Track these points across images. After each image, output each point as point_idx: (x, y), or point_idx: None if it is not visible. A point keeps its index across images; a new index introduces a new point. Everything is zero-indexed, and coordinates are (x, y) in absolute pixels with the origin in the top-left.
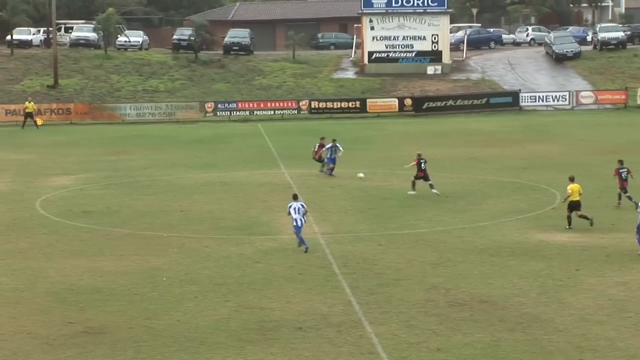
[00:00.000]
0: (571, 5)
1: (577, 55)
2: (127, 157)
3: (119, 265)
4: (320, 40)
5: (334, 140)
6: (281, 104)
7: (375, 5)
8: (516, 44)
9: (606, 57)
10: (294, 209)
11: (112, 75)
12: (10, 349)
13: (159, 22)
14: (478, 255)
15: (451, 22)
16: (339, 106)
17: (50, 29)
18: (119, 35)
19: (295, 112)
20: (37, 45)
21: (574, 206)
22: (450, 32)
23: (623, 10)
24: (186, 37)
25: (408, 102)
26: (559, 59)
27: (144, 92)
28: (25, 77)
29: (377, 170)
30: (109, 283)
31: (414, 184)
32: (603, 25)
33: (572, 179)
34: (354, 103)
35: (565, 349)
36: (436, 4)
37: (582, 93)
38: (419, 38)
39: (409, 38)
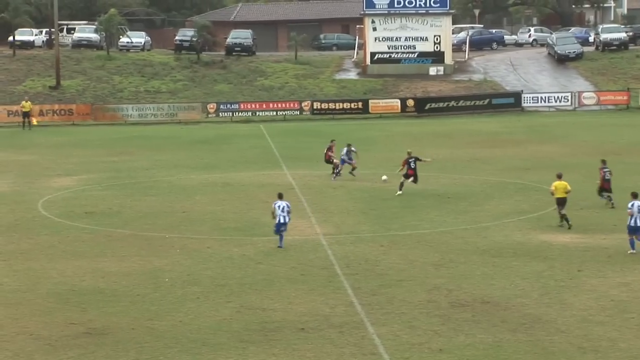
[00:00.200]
0: (573, 6)
1: (579, 56)
2: (129, 158)
3: (121, 266)
4: (323, 41)
5: (348, 145)
6: (283, 105)
7: (377, 6)
8: (518, 44)
9: (608, 58)
10: (279, 207)
11: (114, 76)
12: (12, 350)
13: (161, 23)
14: (480, 256)
15: (453, 23)
16: (341, 107)
17: (53, 30)
18: (121, 36)
19: (298, 113)
20: (39, 46)
21: (559, 203)
22: (453, 33)
23: (625, 11)
24: (188, 38)
25: (410, 103)
26: (561, 60)
27: (146, 93)
28: (27, 78)
29: (379, 171)
30: (111, 284)
31: (402, 184)
32: (605, 26)
33: (559, 176)
34: (356, 104)
35: (567, 349)
36: (438, 4)
37: (584, 94)
38: (421, 39)
39: (411, 39)
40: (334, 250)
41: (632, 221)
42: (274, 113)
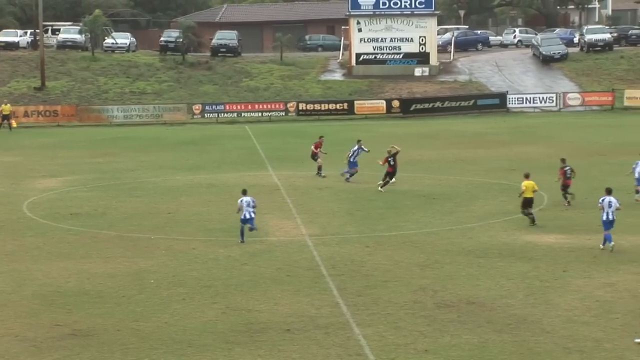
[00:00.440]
0: (558, 7)
1: (564, 57)
2: (114, 159)
3: (106, 267)
4: (308, 42)
5: (359, 141)
6: (269, 106)
7: (362, 7)
8: (503, 45)
9: (593, 58)
10: (245, 202)
11: (99, 77)
12: None
13: (146, 24)
14: (465, 256)
15: (438, 24)
16: (326, 108)
17: (37, 30)
18: (106, 37)
19: (283, 113)
20: (24, 47)
21: (526, 203)
22: (438, 34)
23: (610, 12)
24: (173, 39)
25: (395, 103)
26: (546, 61)
27: (131, 94)
28: (12, 79)
29: (364, 172)
30: (96, 285)
31: (386, 182)
32: (590, 27)
33: (526, 176)
34: (341, 105)
35: (552, 350)
36: (423, 5)
37: (569, 95)
38: (407, 40)
39: (396, 40)
40: (320, 251)
41: (605, 216)
42: (260, 114)
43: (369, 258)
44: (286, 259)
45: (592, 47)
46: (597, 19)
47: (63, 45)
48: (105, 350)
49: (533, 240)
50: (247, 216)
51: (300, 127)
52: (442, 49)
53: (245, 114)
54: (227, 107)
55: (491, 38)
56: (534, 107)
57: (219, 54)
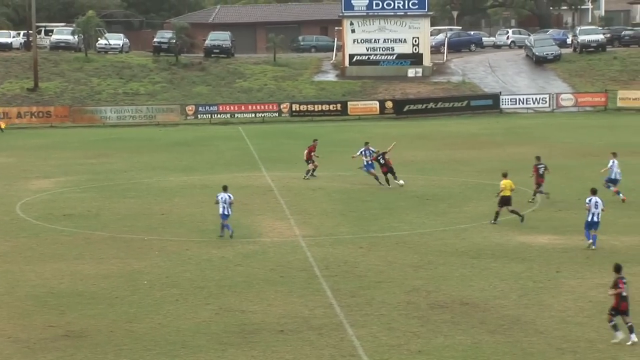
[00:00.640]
0: (551, 8)
1: (557, 58)
2: (107, 160)
3: (99, 268)
4: (301, 43)
5: (366, 144)
6: (262, 107)
7: (356, 8)
8: (496, 46)
9: (586, 59)
10: (222, 199)
11: (93, 78)
12: None
13: (139, 25)
14: (459, 257)
15: (432, 25)
16: (320, 109)
17: (30, 31)
18: (99, 38)
19: (277, 114)
20: (17, 48)
21: (504, 201)
22: (431, 35)
23: (603, 13)
24: (167, 40)
25: (389, 104)
26: (539, 62)
27: (125, 95)
28: (5, 80)
29: (358, 172)
30: (90, 286)
31: (387, 180)
32: (583, 27)
33: (504, 175)
34: (335, 106)
35: (545, 350)
36: (417, 6)
37: (562, 95)
38: (400, 41)
39: (389, 41)
40: (313, 252)
41: (590, 217)
42: (253, 115)
43: (363, 259)
44: (279, 260)
45: (585, 48)
46: (590, 20)
47: (56, 46)
48: (99, 351)
49: (526, 241)
50: (226, 212)
51: (293, 128)
52: (435, 49)
53: (239, 115)
54: (221, 108)
55: (484, 39)
56: (527, 108)
57: (212, 55)
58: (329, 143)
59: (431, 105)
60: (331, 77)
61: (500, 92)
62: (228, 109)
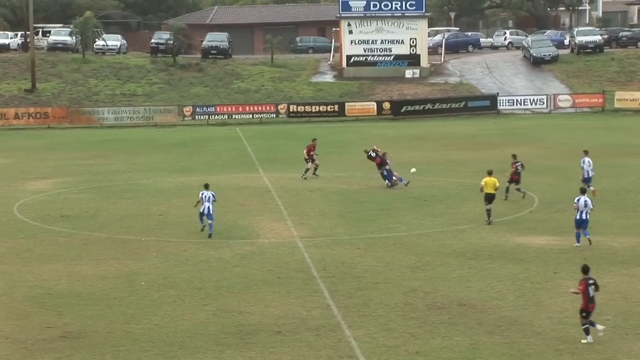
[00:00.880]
0: (549, 9)
1: (554, 59)
2: (105, 161)
3: (97, 269)
4: (299, 44)
5: (374, 150)
6: (259, 108)
7: (353, 9)
8: (494, 47)
9: (583, 60)
10: (205, 196)
11: (90, 79)
12: None
13: (137, 26)
14: (456, 258)
15: (429, 26)
16: (317, 110)
17: (28, 32)
18: (96, 39)
19: (274, 115)
20: (15, 49)
21: (488, 199)
22: (429, 36)
23: (600, 14)
24: (164, 41)
25: (386, 105)
26: (537, 63)
27: (122, 96)
28: (3, 81)
29: (355, 173)
30: (87, 287)
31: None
32: (580, 29)
33: (489, 173)
34: (332, 107)
35: (543, 351)
36: (414, 7)
37: (560, 96)
38: (397, 42)
39: (387, 42)
40: (311, 253)
41: (579, 215)
42: (250, 116)
43: (360, 260)
44: (277, 261)
45: (582, 49)
46: (587, 21)
47: (54, 47)
48: (96, 352)
49: (524, 242)
50: (206, 211)
51: (291, 129)
52: (433, 50)
53: (236, 116)
54: (218, 109)
55: (482, 40)
56: (525, 109)
57: (210, 56)
58: (327, 144)
59: (429, 106)
60: (329, 78)
61: (498, 93)
62: (225, 110)
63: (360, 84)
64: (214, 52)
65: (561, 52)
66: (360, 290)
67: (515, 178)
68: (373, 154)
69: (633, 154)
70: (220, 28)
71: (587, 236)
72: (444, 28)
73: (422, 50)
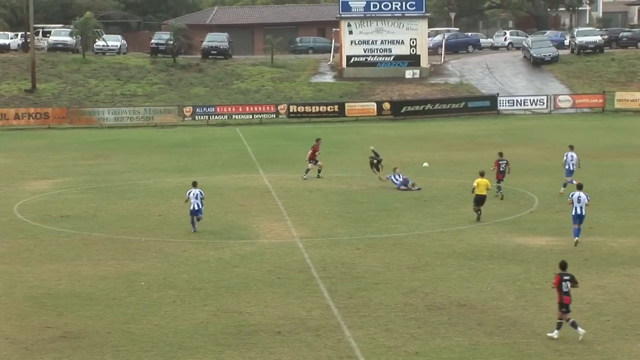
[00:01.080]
0: (549, 9)
1: (554, 59)
2: (105, 162)
3: (97, 269)
4: (299, 45)
5: (395, 169)
6: (259, 108)
7: (353, 10)
8: (494, 48)
9: (584, 61)
10: (193, 194)
11: (90, 80)
12: None
13: (137, 26)
14: (456, 259)
15: (429, 26)
16: (317, 110)
17: (28, 33)
18: (96, 40)
19: (274, 116)
20: (15, 50)
21: (478, 200)
22: (429, 36)
23: (600, 15)
24: (164, 41)
25: (386, 106)
26: (537, 63)
27: (122, 97)
28: (3, 82)
29: (355, 174)
30: (87, 287)
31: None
32: (580, 29)
33: (481, 174)
34: (332, 107)
35: (543, 352)
36: (414, 8)
37: (560, 97)
38: (397, 42)
39: (387, 42)
40: (311, 254)
41: (574, 210)
42: (250, 116)
43: (360, 260)
44: (277, 261)
45: (582, 50)
46: (587, 21)
47: (54, 48)
48: (96, 352)
49: (524, 243)
50: (195, 207)
51: (291, 129)
52: (433, 51)
53: (236, 116)
54: (218, 109)
55: (482, 40)
56: (525, 110)
57: (210, 56)
58: (326, 144)
59: (429, 106)
60: (329, 78)
61: (498, 94)
62: (225, 110)
63: (360, 84)
64: (214, 52)
65: (561, 52)
66: (360, 291)
67: (500, 177)
68: (376, 160)
69: (633, 154)
70: (220, 28)
71: (576, 238)
72: (444, 28)
73: (422, 51)
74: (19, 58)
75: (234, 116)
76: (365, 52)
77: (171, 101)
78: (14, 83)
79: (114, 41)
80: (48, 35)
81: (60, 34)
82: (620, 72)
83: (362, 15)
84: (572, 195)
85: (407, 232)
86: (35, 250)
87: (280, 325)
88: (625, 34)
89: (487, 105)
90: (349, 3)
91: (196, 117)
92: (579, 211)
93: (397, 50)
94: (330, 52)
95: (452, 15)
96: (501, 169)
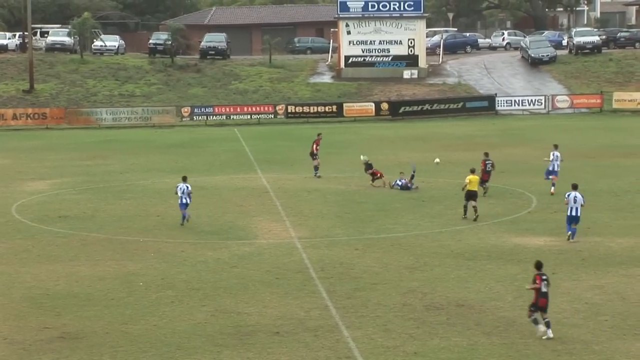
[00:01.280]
0: (547, 9)
1: (552, 60)
2: (103, 162)
3: (95, 270)
4: (297, 45)
5: (401, 174)
6: (258, 109)
7: (351, 10)
8: (492, 48)
9: (581, 61)
10: (181, 189)
11: (88, 80)
12: None
13: (135, 27)
14: (454, 259)
15: (427, 27)
16: (315, 110)
17: (26, 33)
18: (94, 40)
19: (272, 116)
20: (13, 50)
21: (470, 196)
22: (427, 37)
23: (598, 15)
24: (162, 42)
25: (384, 106)
26: (535, 63)
27: (120, 97)
28: (1, 82)
29: (353, 174)
30: (85, 288)
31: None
32: (578, 29)
33: (472, 171)
34: (330, 107)
35: (541, 352)
36: (412, 8)
37: (558, 97)
38: (395, 42)
39: (385, 42)
40: (309, 254)
41: (569, 211)
42: (249, 116)
43: (358, 260)
44: (275, 261)
45: (580, 50)
46: (585, 22)
47: (52, 48)
48: (94, 352)
49: (522, 243)
50: (183, 201)
51: (289, 129)
52: (431, 51)
53: (234, 117)
54: (216, 109)
55: (480, 40)
56: (523, 110)
57: (208, 57)
58: (325, 144)
59: (427, 106)
60: (327, 78)
61: (496, 94)
62: (224, 110)
63: (358, 84)
64: (212, 52)
65: (559, 52)
66: (358, 291)
67: (485, 178)
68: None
69: (631, 154)
70: (218, 29)
71: (569, 232)
72: (442, 29)
73: (420, 51)
74: (17, 58)
75: (232, 116)
76: (363, 52)
77: (169, 101)
78: (11, 83)
79: (112, 41)
80: (46, 35)
81: (58, 34)
82: (618, 72)
83: (360, 15)
84: (568, 195)
85: (405, 233)
86: (33, 251)
87: (279, 326)
88: (623, 34)
89: (485, 105)
90: (347, 3)
91: (194, 117)
92: (574, 212)
93: (395, 50)
94: (329, 52)
95: (450, 15)
96: (487, 169)
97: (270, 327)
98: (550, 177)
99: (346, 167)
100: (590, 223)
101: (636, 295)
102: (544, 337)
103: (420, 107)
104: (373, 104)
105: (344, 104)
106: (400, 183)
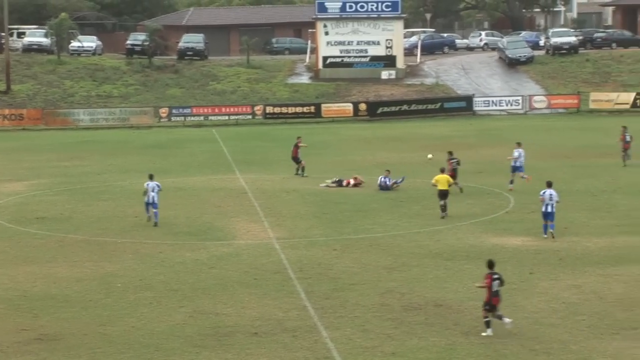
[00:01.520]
0: (524, 10)
1: (529, 60)
2: (80, 163)
3: (72, 271)
4: (275, 45)
5: (387, 171)
6: (236, 109)
7: (329, 10)
8: (469, 48)
9: (558, 61)
10: (150, 186)
11: (65, 81)
12: None
13: (112, 27)
14: (433, 259)
15: (405, 27)
16: (293, 111)
17: (3, 34)
18: (72, 41)
19: (250, 117)
20: None
21: (441, 194)
22: (404, 37)
23: (575, 15)
24: (140, 42)
25: (362, 107)
26: (512, 64)
27: (98, 98)
28: None
29: (331, 174)
30: (63, 289)
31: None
32: (555, 30)
33: (442, 170)
34: (308, 108)
35: (519, 352)
36: (390, 9)
37: (535, 97)
38: (373, 43)
39: (363, 43)
40: (287, 254)
41: (544, 207)
42: (227, 117)
43: (337, 261)
44: (253, 262)
45: (557, 50)
46: (562, 22)
47: (29, 49)
48: (72, 354)
49: (500, 243)
50: (151, 200)
51: (267, 130)
52: (409, 52)
53: (212, 118)
54: (194, 110)
55: (457, 41)
56: (500, 110)
57: (186, 57)
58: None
59: (404, 107)
60: (305, 79)
61: (474, 94)
62: (202, 111)
63: (336, 85)
64: (190, 53)
65: (536, 53)
66: (336, 292)
67: (452, 175)
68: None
69: (607, 154)
70: (196, 29)
71: (552, 230)
72: (419, 29)
73: (398, 52)
74: None
75: (210, 117)
76: (341, 52)
77: (147, 102)
78: None
79: (89, 42)
80: (23, 36)
81: (35, 35)
82: (595, 73)
83: (338, 16)
84: (543, 193)
85: (383, 233)
86: (10, 252)
87: (257, 327)
88: (599, 34)
89: (462, 105)
90: (325, 4)
91: (172, 118)
92: (549, 209)
93: (373, 51)
94: (307, 53)
95: (428, 16)
96: (453, 167)
97: (249, 327)
98: (519, 173)
99: (324, 167)
100: (568, 223)
101: (613, 295)
102: (482, 334)
103: (398, 107)
104: (351, 105)
105: (322, 105)
106: (384, 181)
